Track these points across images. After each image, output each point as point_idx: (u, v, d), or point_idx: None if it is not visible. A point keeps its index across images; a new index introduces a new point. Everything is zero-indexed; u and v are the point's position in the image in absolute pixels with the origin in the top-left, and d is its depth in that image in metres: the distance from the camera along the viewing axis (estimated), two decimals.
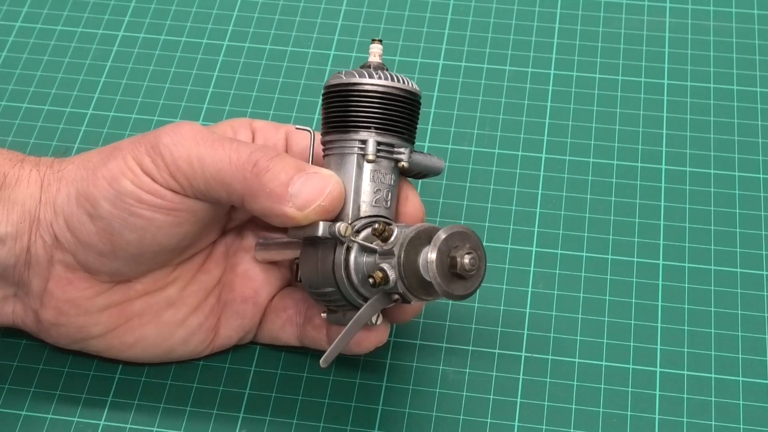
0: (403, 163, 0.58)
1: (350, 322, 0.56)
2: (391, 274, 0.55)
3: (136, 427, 0.61)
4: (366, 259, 0.56)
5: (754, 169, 0.72)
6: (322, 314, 0.60)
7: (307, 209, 0.56)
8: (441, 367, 0.64)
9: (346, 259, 0.57)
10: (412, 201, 0.60)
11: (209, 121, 0.74)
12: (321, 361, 0.56)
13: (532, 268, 0.68)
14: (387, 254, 0.55)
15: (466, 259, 0.54)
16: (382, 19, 0.80)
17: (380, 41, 0.60)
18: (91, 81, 0.77)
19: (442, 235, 0.54)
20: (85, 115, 0.75)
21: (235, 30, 0.80)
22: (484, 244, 0.69)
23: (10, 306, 0.61)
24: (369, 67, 0.59)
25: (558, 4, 0.81)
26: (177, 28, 0.80)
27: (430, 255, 0.54)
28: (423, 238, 0.55)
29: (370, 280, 0.55)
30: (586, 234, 0.69)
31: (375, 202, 0.58)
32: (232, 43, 0.79)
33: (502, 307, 0.66)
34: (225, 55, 0.78)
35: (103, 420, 0.62)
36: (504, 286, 0.67)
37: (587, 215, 0.70)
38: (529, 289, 0.67)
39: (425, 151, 0.73)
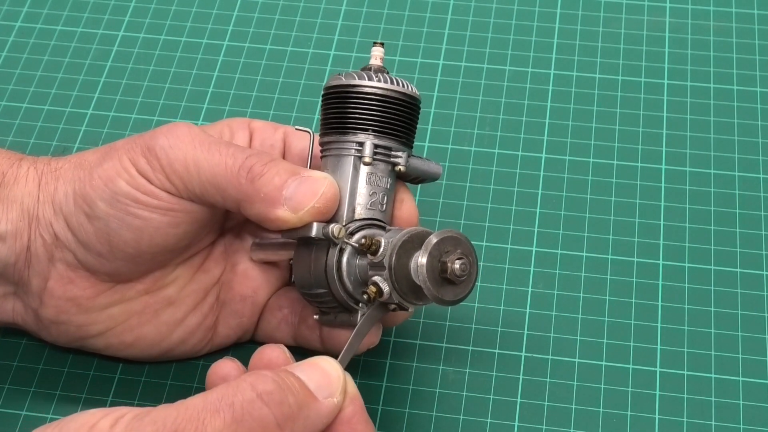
0: (400, 167, 0.58)
1: (351, 337, 0.56)
2: (385, 287, 0.55)
3: None
4: (359, 261, 0.56)
5: (754, 169, 0.72)
6: (315, 316, 0.60)
7: (301, 211, 0.56)
8: (441, 367, 0.64)
9: (339, 261, 0.57)
10: (407, 204, 0.60)
11: (209, 122, 0.74)
12: None
13: (532, 268, 0.68)
14: (378, 267, 0.55)
15: (457, 264, 0.54)
16: (382, 19, 0.80)
17: (382, 44, 0.60)
18: (91, 81, 0.77)
19: (433, 239, 0.54)
20: (85, 115, 0.75)
21: (235, 30, 0.80)
22: (484, 244, 0.69)
23: (10, 303, 0.61)
24: (369, 69, 0.59)
25: (558, 4, 0.81)
26: (177, 28, 0.80)
27: (420, 259, 0.54)
28: (415, 241, 0.55)
29: (365, 296, 0.55)
30: (586, 234, 0.69)
31: (370, 205, 0.58)
32: (232, 43, 0.79)
33: (502, 307, 0.66)
34: (225, 55, 0.78)
35: None
36: (504, 286, 0.67)
37: (587, 215, 0.70)
38: (529, 289, 0.67)
39: (425, 151, 0.73)
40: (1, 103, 0.76)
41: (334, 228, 0.56)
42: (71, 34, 0.80)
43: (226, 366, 0.54)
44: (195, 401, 0.49)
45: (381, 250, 0.55)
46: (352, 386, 0.53)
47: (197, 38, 0.79)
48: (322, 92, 0.59)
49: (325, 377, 0.52)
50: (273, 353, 0.54)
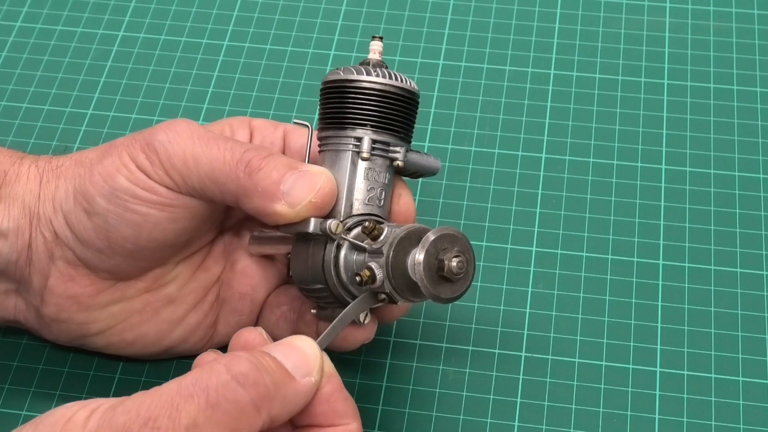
0: (398, 162, 0.58)
1: (335, 320, 0.56)
2: (379, 274, 0.55)
3: None
4: (356, 257, 0.56)
5: (754, 169, 0.72)
6: (312, 310, 0.60)
7: (298, 206, 0.56)
8: (441, 367, 0.64)
9: (336, 257, 0.57)
10: (404, 200, 0.60)
11: (209, 122, 0.74)
12: None
13: (532, 268, 0.68)
14: (376, 253, 0.55)
15: (454, 262, 0.54)
16: (382, 19, 0.80)
17: (381, 38, 0.60)
18: (91, 81, 0.77)
19: (430, 236, 0.54)
20: (85, 115, 0.75)
21: (235, 30, 0.80)
22: (484, 244, 0.69)
23: (12, 301, 0.61)
24: (368, 64, 0.59)
25: (558, 4, 0.81)
26: (177, 28, 0.80)
27: (417, 256, 0.54)
28: (412, 238, 0.55)
29: (357, 278, 0.55)
30: (586, 234, 0.69)
31: (368, 201, 0.58)
32: (232, 43, 0.79)
33: (502, 307, 0.66)
34: (225, 55, 0.78)
35: None
36: (504, 286, 0.67)
37: (587, 215, 0.70)
38: (529, 289, 0.67)
39: (425, 150, 0.73)
40: (1, 103, 0.76)
41: (331, 224, 0.56)
42: (71, 34, 0.80)
43: (209, 357, 0.54)
44: (169, 387, 0.48)
45: (382, 236, 0.55)
46: (329, 365, 0.53)
47: (197, 38, 0.79)
48: (321, 87, 0.59)
49: (302, 356, 0.51)
50: (250, 335, 0.54)
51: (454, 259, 0.54)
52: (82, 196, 0.57)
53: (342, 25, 0.80)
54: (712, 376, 0.63)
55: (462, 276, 0.54)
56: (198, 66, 0.78)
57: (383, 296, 0.56)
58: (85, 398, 0.62)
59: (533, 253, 0.68)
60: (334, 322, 0.56)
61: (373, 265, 0.55)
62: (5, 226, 0.58)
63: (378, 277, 0.55)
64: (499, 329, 0.65)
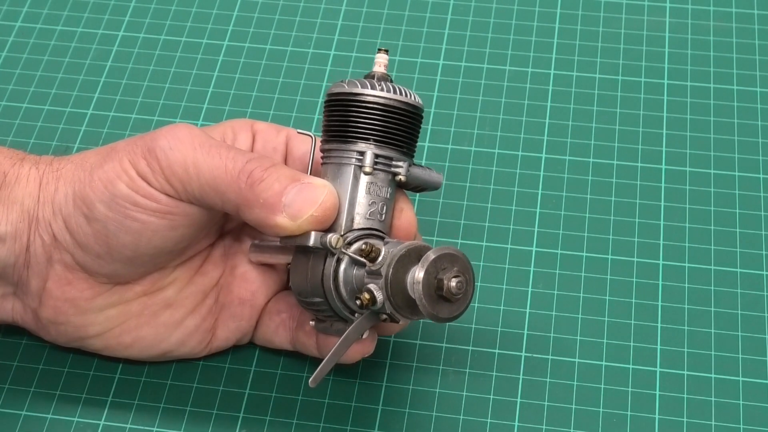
0: (400, 176, 0.58)
1: (338, 342, 0.56)
2: (379, 295, 0.54)
3: (136, 427, 0.61)
4: (356, 272, 0.56)
5: (754, 169, 0.72)
6: (311, 322, 0.60)
7: (299, 219, 0.56)
8: (441, 367, 0.64)
9: (336, 271, 0.56)
10: (406, 214, 0.59)
11: (209, 122, 0.74)
12: (310, 381, 0.56)
13: (532, 268, 0.68)
14: (375, 274, 0.55)
15: (453, 282, 0.53)
16: (382, 19, 0.80)
17: (386, 51, 0.59)
18: (91, 81, 0.77)
19: (431, 255, 0.54)
20: (85, 115, 0.75)
21: (235, 30, 0.80)
22: (484, 244, 0.69)
23: (10, 303, 0.61)
24: (373, 77, 0.59)
25: (558, 4, 0.81)
26: (177, 28, 0.80)
27: (417, 275, 0.53)
28: (413, 256, 0.54)
29: (357, 302, 0.55)
30: (586, 234, 0.69)
31: (369, 215, 0.57)
32: (232, 43, 0.79)
33: (502, 307, 0.66)
34: (225, 55, 0.78)
35: (103, 420, 0.62)
36: (504, 286, 0.67)
37: (587, 215, 0.70)
38: (529, 289, 0.67)
39: (425, 151, 0.73)
40: (1, 103, 0.76)
41: (332, 238, 0.55)
42: (71, 34, 0.80)
43: None
44: None
45: (380, 258, 0.55)
46: None
47: (197, 38, 0.79)
48: (325, 99, 0.59)
49: None
50: None
51: (453, 279, 0.54)
52: (82, 201, 0.57)
53: (342, 25, 0.80)
54: (712, 376, 0.63)
55: (461, 296, 0.54)
56: (198, 66, 0.78)
57: (384, 316, 0.56)
58: (85, 398, 0.62)
59: (533, 253, 0.68)
60: (337, 345, 0.55)
61: (372, 287, 0.55)
62: (3, 230, 0.58)
63: (378, 299, 0.54)
64: (499, 329, 0.65)
